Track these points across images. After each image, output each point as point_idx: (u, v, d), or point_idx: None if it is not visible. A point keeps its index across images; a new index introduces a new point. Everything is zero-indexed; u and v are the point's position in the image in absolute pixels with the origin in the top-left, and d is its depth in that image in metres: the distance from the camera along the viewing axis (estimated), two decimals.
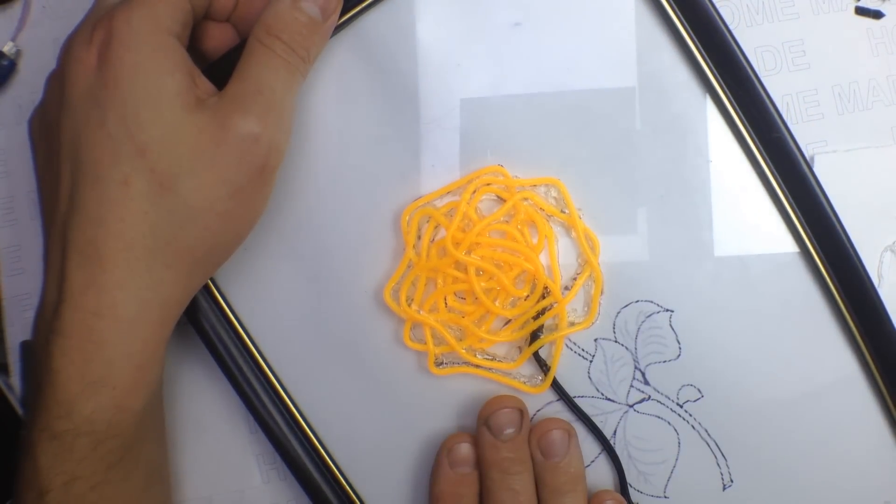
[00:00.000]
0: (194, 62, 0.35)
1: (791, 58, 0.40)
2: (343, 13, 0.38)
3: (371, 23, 0.40)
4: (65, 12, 0.43)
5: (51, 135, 0.34)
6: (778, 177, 0.39)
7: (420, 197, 0.40)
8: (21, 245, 0.44)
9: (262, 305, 0.41)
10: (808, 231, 0.38)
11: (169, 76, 0.32)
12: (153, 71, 0.32)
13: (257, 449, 0.42)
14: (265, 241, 0.40)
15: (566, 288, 0.40)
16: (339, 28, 0.39)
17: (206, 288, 0.39)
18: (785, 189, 0.39)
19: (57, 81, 0.34)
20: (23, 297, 0.43)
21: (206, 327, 0.39)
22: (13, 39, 0.43)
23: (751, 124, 0.38)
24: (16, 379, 0.42)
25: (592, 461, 0.40)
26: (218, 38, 0.38)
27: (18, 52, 0.43)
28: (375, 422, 0.41)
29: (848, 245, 0.38)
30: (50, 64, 0.36)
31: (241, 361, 0.39)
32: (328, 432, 0.41)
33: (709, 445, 0.40)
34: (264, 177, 0.34)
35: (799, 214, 0.39)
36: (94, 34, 0.32)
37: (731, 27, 0.38)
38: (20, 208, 0.44)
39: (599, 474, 0.40)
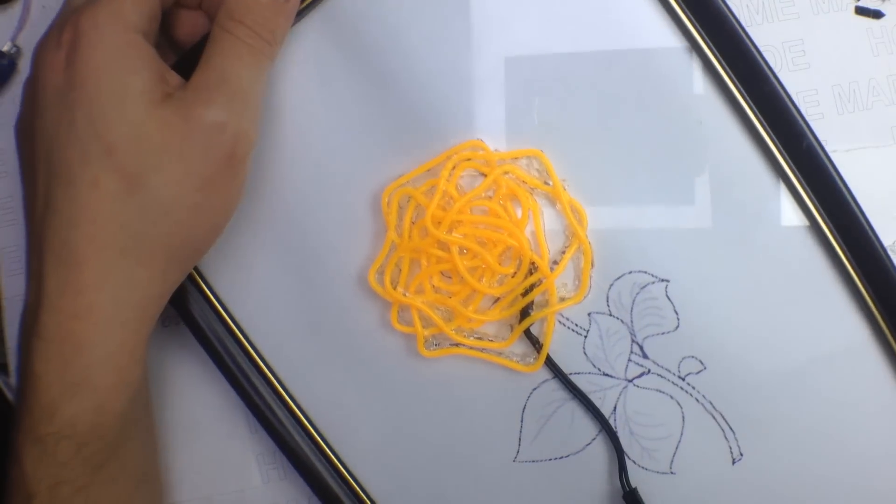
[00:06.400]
0: (167, 49, 0.34)
1: (791, 58, 0.38)
2: None
3: (338, 2, 0.39)
4: None
5: (28, 139, 0.34)
6: (774, 137, 0.36)
7: (399, 177, 0.39)
8: (21, 245, 0.44)
9: (250, 296, 0.40)
10: (813, 198, 0.37)
11: (136, 74, 0.32)
12: (120, 70, 0.32)
13: (257, 449, 0.42)
14: (248, 232, 0.40)
15: (554, 262, 0.38)
16: (306, 10, 0.38)
17: (195, 283, 0.39)
18: (783, 151, 0.36)
19: (30, 86, 0.34)
20: (23, 297, 0.44)
21: (197, 320, 0.39)
22: (13, 39, 0.42)
23: (739, 79, 0.36)
24: (15, 379, 0.43)
25: (590, 442, 0.39)
26: (189, 25, 0.37)
27: (18, 52, 0.43)
28: (368, 406, 0.40)
29: (855, 207, 0.36)
30: None
31: (234, 352, 0.39)
32: (322, 419, 0.40)
33: (715, 418, 0.39)
34: (233, 166, 0.33)
35: (802, 181, 0.37)
36: (62, 36, 0.32)
37: None
38: (20, 208, 0.44)
39: (598, 455, 0.39)
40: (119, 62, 0.32)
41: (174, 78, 0.34)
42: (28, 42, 0.43)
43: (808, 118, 0.38)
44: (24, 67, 0.43)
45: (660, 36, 0.38)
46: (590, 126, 0.38)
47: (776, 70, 0.38)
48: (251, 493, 0.41)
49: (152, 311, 0.34)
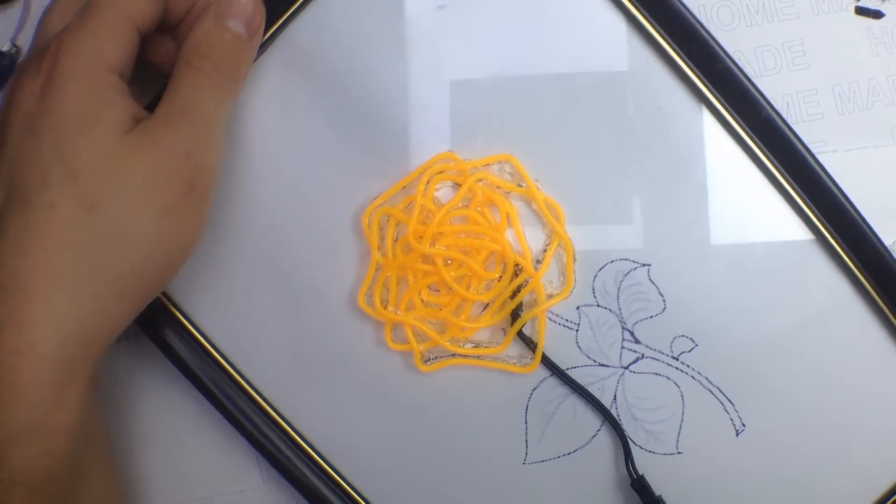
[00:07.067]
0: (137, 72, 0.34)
1: (791, 58, 0.39)
2: (269, 25, 0.38)
3: (298, 30, 0.39)
4: None
5: None
6: (732, 111, 0.38)
7: (376, 197, 0.39)
8: None
9: (241, 332, 0.40)
10: (781, 168, 0.38)
11: (109, 108, 0.32)
12: (93, 102, 0.32)
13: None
14: (232, 268, 0.40)
15: (538, 261, 0.39)
16: (267, 42, 0.39)
17: (181, 325, 0.39)
18: (742, 123, 0.38)
19: (2, 115, 0.33)
20: None
21: (188, 364, 0.39)
22: (13, 39, 0.42)
23: (689, 57, 0.37)
24: None
25: (595, 433, 0.40)
26: (162, 53, 0.37)
27: (18, 52, 0.42)
28: (372, 427, 0.40)
29: (818, 169, 0.38)
30: None
31: (231, 394, 0.39)
32: (327, 445, 0.40)
33: (713, 393, 0.39)
34: (194, 195, 0.33)
35: (766, 150, 0.38)
36: (41, 64, 0.32)
37: (730, 27, 0.39)
38: None
39: (604, 445, 0.40)
40: (94, 96, 0.32)
41: (145, 116, 0.34)
42: (28, 42, 0.42)
43: (808, 118, 0.39)
44: None
45: (610, 26, 0.39)
46: (556, 126, 0.39)
47: (776, 70, 0.39)
48: (251, 494, 0.41)
49: (98, 348, 0.33)
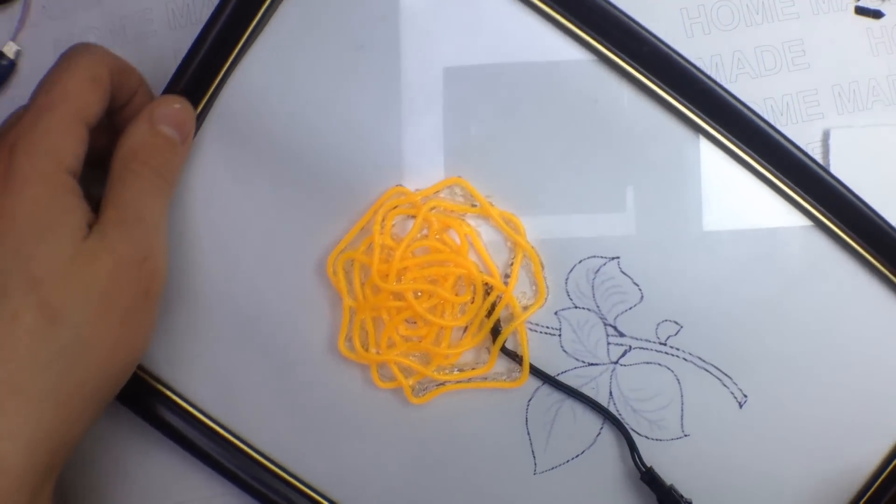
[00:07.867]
0: None
1: (791, 58, 0.39)
2: (200, 97, 0.38)
3: (229, 97, 0.39)
4: (64, 12, 0.43)
5: None
6: (674, 93, 0.38)
7: (337, 243, 0.39)
8: None
9: (232, 398, 0.40)
10: (732, 139, 0.38)
11: (66, 213, 0.32)
12: (52, 208, 0.32)
13: None
14: (214, 336, 0.40)
15: (506, 276, 0.39)
16: (206, 110, 0.39)
17: (172, 402, 0.40)
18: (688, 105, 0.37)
19: None
20: None
21: (190, 440, 0.39)
22: (13, 39, 0.42)
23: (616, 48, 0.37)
24: None
25: (599, 432, 0.40)
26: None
27: (18, 52, 0.42)
28: (380, 467, 0.40)
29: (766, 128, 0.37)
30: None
31: (235, 460, 0.40)
32: (343, 494, 0.40)
33: (708, 371, 0.39)
34: (149, 299, 0.34)
35: (710, 122, 0.38)
36: None
37: (730, 27, 0.39)
38: None
39: (610, 442, 0.40)
40: (52, 200, 0.32)
41: (94, 220, 0.34)
42: (28, 42, 0.43)
43: (808, 118, 0.39)
44: (23, 67, 0.43)
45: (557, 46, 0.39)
46: (500, 139, 0.39)
47: (776, 70, 0.39)
48: None
49: (62, 457, 0.33)
